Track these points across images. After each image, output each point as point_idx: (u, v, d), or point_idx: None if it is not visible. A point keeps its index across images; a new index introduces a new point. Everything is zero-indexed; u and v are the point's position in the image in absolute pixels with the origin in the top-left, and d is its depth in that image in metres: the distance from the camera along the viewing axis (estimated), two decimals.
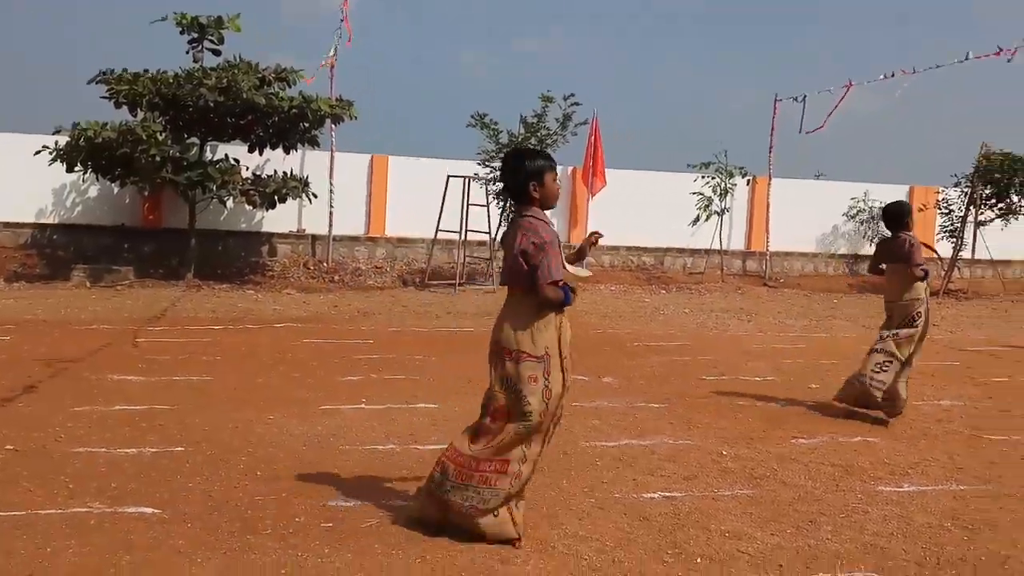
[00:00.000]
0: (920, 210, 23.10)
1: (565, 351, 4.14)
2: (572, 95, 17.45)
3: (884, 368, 7.06)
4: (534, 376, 4.02)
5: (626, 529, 4.40)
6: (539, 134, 17.57)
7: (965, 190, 21.23)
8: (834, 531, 4.46)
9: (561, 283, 4.00)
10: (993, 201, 21.09)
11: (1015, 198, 20.81)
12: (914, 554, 4.18)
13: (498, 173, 4.38)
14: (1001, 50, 16.71)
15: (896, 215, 7.36)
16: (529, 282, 4.00)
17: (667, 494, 4.96)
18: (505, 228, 4.36)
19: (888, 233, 7.48)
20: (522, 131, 17.62)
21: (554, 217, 18.29)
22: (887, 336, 7.19)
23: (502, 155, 17.71)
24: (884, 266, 7.44)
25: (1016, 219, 21.16)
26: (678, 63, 66.17)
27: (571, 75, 73.36)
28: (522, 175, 4.12)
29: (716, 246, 20.68)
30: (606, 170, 19.93)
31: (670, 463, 5.61)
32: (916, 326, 7.15)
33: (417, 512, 4.30)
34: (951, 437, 6.66)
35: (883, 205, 8.23)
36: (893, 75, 19.09)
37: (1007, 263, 22.90)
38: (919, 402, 7.77)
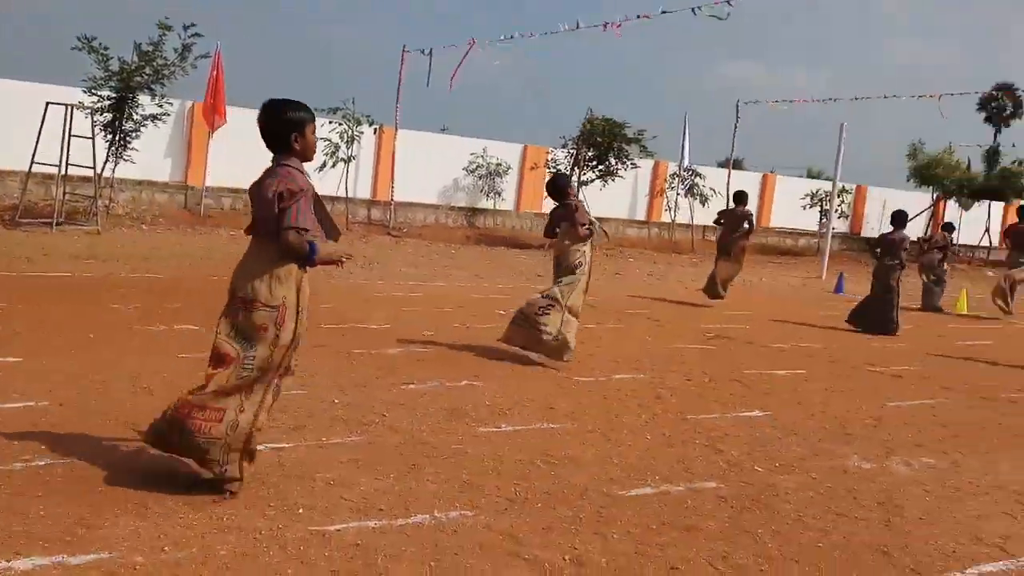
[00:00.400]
0: (532, 168, 24.81)
1: (303, 303, 4.13)
2: (193, 25, 16.41)
3: (546, 311, 7.63)
4: (264, 325, 4.01)
5: None
6: (155, 63, 16.35)
7: (571, 152, 23.07)
8: (435, 473, 4.65)
9: (306, 234, 3.98)
10: (595, 163, 23.13)
11: (613, 161, 22.99)
12: (505, 490, 4.48)
13: (261, 120, 4.07)
14: (607, 24, 18.19)
15: (559, 187, 8.24)
16: (276, 228, 3.94)
17: (274, 445, 4.88)
18: (260, 176, 4.10)
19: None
20: (136, 59, 16.28)
21: (173, 155, 17.19)
22: (553, 285, 7.85)
23: (112, 83, 16.30)
24: (558, 229, 8.10)
25: (614, 180, 23.41)
26: (305, 5, 64.72)
27: (193, 3, 69.08)
28: (283, 125, 4.12)
29: (342, 194, 20.69)
30: (228, 107, 19.07)
31: (280, 413, 5.52)
32: (576, 275, 7.84)
33: (150, 439, 4.20)
34: (546, 379, 7.24)
35: (548, 179, 9.57)
36: (512, 37, 20.10)
37: (604, 220, 25.30)
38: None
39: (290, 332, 4.10)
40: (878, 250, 12.29)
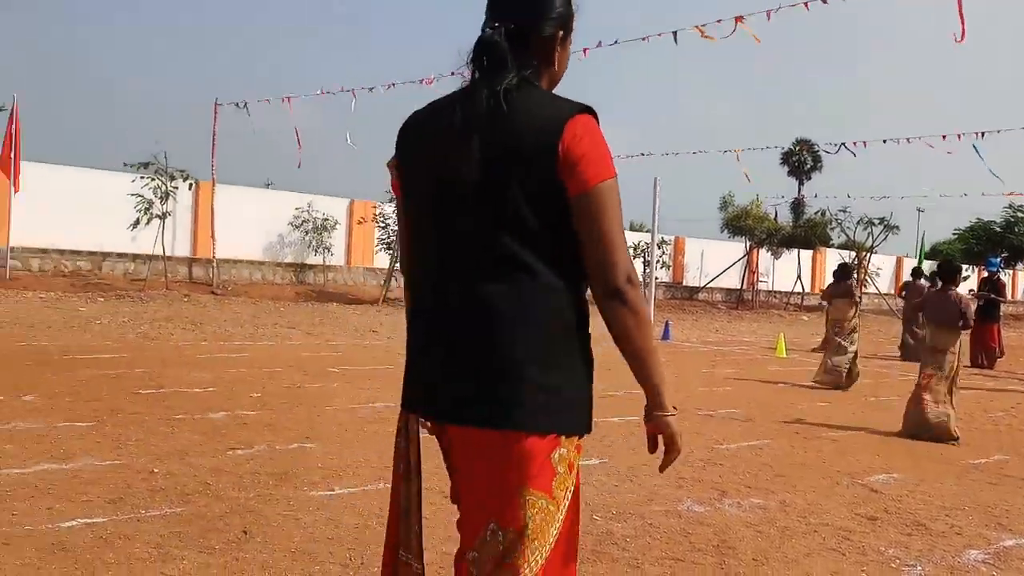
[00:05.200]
0: (359, 222, 24.60)
1: None
2: None
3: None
4: None
5: (36, 563, 3.89)
6: None
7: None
8: (264, 541, 4.38)
9: None
10: None
11: None
12: (339, 556, 4.27)
13: None
14: (423, 80, 18.47)
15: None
16: None
17: (88, 520, 4.49)
18: None
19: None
20: None
21: None
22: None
23: None
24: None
25: None
26: (104, 52, 62.14)
27: None
28: None
29: (159, 252, 19.80)
30: (27, 163, 18.05)
31: (94, 486, 5.11)
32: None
33: None
34: (381, 438, 7.05)
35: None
36: (330, 92, 20.06)
37: None
38: (354, 405, 8.14)
39: None
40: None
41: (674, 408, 2.12)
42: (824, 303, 13.46)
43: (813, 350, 17.28)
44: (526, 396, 1.96)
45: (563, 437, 2.03)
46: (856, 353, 12.02)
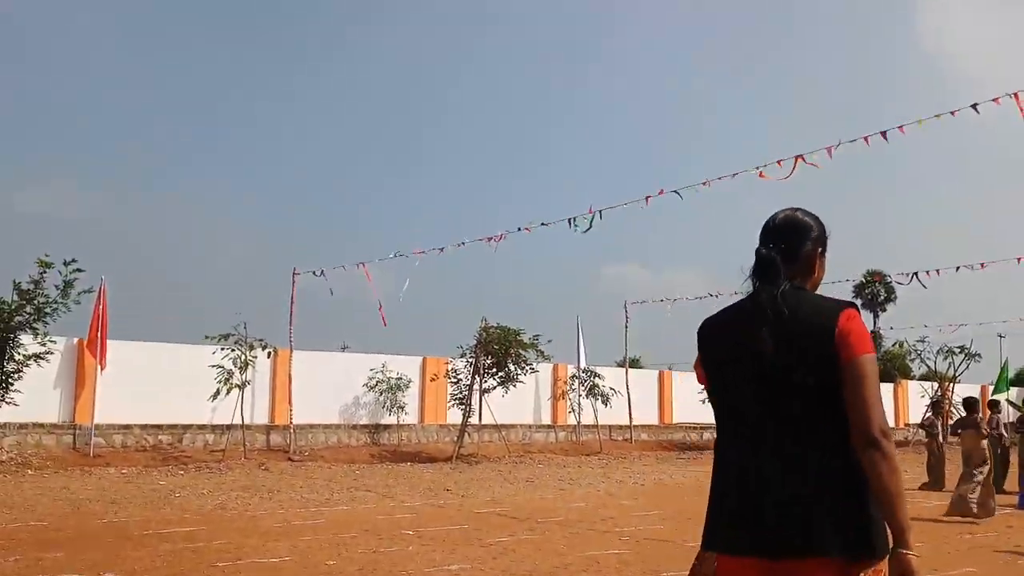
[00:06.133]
0: (432, 380, 24.76)
1: None
2: (74, 260, 16.28)
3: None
4: None
5: None
6: (36, 302, 16.01)
7: (470, 360, 23.16)
8: None
9: None
10: (494, 370, 23.23)
11: (512, 367, 23.14)
12: None
13: None
14: (491, 238, 18.82)
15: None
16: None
17: None
18: None
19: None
20: (16, 299, 15.93)
21: (60, 394, 16.38)
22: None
23: None
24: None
25: (515, 386, 23.48)
26: (187, 228, 64.95)
27: (74, 237, 68.76)
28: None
29: (238, 421, 20.10)
30: (112, 341, 18.75)
31: None
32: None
33: None
34: None
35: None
36: (402, 255, 20.62)
37: (510, 427, 25.15)
38: (430, 568, 7.97)
39: None
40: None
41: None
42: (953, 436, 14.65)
43: (921, 487, 16.59)
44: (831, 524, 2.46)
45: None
46: (986, 483, 12.25)
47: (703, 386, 2.84)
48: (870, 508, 2.44)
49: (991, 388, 39.79)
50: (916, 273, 20.76)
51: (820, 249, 2.76)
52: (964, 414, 13.64)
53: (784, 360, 2.51)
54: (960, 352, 32.47)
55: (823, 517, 2.42)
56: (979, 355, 33.05)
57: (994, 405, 16.98)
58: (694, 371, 2.87)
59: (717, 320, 2.80)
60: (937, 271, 20.74)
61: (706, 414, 29.61)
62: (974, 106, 12.80)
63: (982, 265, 20.57)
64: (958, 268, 20.96)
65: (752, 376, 2.58)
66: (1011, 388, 32.28)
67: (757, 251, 2.67)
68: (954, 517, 11.84)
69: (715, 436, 2.78)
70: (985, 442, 12.78)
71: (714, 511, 2.66)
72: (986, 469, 12.24)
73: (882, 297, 54.86)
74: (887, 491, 2.39)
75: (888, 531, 2.42)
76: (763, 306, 2.57)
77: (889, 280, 43.66)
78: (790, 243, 2.68)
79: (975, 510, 11.80)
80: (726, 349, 2.70)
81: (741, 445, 2.61)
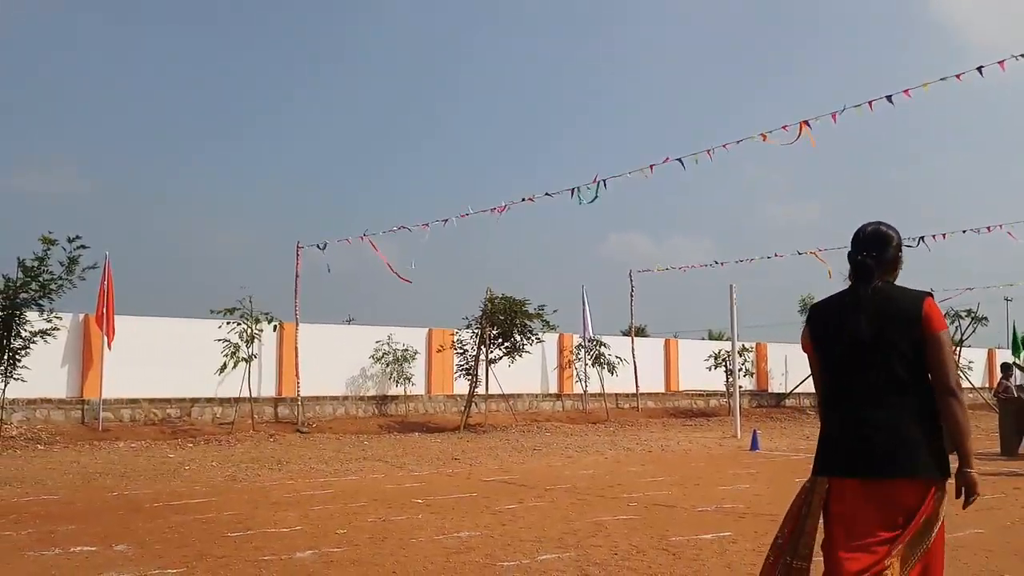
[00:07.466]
0: (438, 351, 24.80)
1: None
2: (78, 237, 16.28)
3: None
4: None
5: None
6: (41, 279, 16.04)
7: (476, 332, 23.18)
8: None
9: None
10: (500, 340, 23.26)
11: (518, 337, 23.16)
12: None
13: None
14: (494, 208, 18.78)
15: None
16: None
17: None
18: None
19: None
20: (21, 275, 15.96)
21: (68, 370, 16.43)
22: None
23: None
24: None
25: (521, 356, 23.51)
26: (185, 205, 64.78)
27: (77, 215, 68.67)
28: None
29: (246, 394, 20.18)
30: (118, 317, 18.78)
31: None
32: None
33: None
34: (468, 568, 6.91)
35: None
36: (406, 228, 20.59)
37: (517, 396, 25.21)
38: (440, 536, 8.02)
39: None
40: None
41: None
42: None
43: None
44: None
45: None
46: None
47: (806, 355, 3.75)
48: (942, 442, 3.39)
49: (998, 352, 39.79)
50: (922, 237, 20.71)
51: (900, 254, 3.71)
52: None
53: (887, 336, 3.42)
54: (967, 316, 32.42)
55: (912, 448, 3.35)
56: (986, 319, 33.00)
57: (1006, 368, 17.02)
58: (800, 343, 3.82)
59: (825, 306, 3.71)
60: (943, 235, 20.68)
61: (711, 381, 29.68)
62: (979, 69, 12.70)
63: (987, 228, 20.49)
64: (964, 231, 20.90)
65: (856, 348, 3.47)
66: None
67: (852, 257, 3.60)
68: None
69: (818, 396, 3.74)
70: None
71: (827, 446, 3.55)
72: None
73: None
74: (960, 427, 3.37)
75: (948, 459, 3.39)
76: (860, 298, 3.51)
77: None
78: (880, 251, 3.60)
79: None
80: (831, 328, 3.60)
81: (848, 398, 3.50)
